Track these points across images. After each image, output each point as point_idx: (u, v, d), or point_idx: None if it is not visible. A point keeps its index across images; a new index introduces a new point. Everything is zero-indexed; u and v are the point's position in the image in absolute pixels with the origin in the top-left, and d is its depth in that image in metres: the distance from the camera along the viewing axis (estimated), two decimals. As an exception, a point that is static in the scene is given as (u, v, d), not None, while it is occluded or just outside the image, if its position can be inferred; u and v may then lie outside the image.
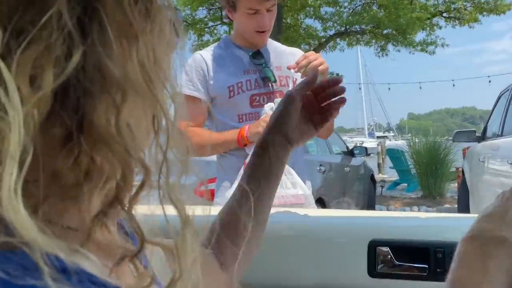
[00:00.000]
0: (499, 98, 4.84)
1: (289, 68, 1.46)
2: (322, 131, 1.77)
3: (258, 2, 1.46)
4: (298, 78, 1.63)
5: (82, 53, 0.26)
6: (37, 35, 0.24)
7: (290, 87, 1.60)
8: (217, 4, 11.09)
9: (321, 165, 4.40)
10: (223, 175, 1.57)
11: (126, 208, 0.30)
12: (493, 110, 5.00)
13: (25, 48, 0.24)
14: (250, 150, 1.44)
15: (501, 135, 4.24)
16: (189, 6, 11.36)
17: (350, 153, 5.92)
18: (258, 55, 1.58)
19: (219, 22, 12.04)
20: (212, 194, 1.80)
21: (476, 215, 0.52)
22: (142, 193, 0.30)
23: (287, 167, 1.42)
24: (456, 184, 7.22)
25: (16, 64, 0.24)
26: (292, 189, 1.41)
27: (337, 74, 13.97)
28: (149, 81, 0.29)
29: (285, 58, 1.63)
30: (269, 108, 1.47)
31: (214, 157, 1.66)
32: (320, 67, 1.42)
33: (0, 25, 0.24)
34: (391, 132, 65.20)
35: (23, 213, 0.23)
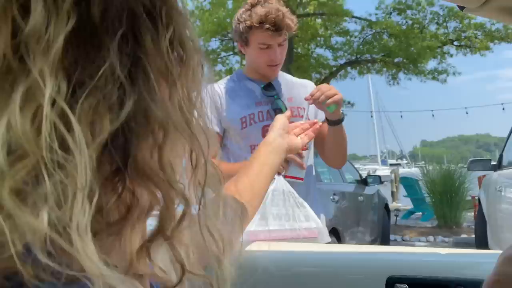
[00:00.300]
0: (514, 126, 4.80)
1: (306, 99, 1.47)
2: (334, 160, 1.75)
3: (270, 37, 1.49)
4: (311, 108, 1.64)
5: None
6: (94, 86, 0.27)
7: (303, 118, 1.61)
8: (229, 35, 11.35)
9: (334, 194, 4.36)
10: None
11: (168, 240, 0.32)
12: (508, 138, 4.94)
13: (85, 98, 0.27)
14: None
15: (518, 163, 4.17)
16: (202, 37, 11.64)
17: (363, 181, 5.86)
18: (269, 87, 1.61)
19: (231, 53, 12.27)
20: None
21: (496, 251, 0.51)
22: (183, 224, 0.32)
23: (300, 200, 1.41)
24: (473, 213, 7.06)
25: (78, 112, 0.26)
26: (305, 222, 1.39)
27: (349, 102, 14.04)
28: (187, 120, 0.33)
29: (296, 89, 1.66)
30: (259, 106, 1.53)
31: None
32: (334, 98, 1.44)
33: (65, 78, 0.27)
34: (404, 159, 64.55)
35: (93, 250, 0.26)
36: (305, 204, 1.43)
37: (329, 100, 1.43)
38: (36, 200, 0.25)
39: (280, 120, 1.00)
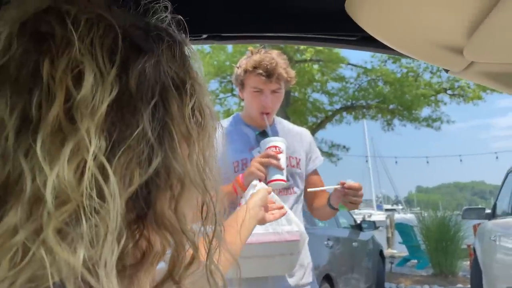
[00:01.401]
0: (507, 175, 4.85)
1: (341, 185, 1.52)
2: (320, 217, 1.80)
3: (263, 82, 1.55)
4: (302, 158, 1.69)
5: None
6: (129, 145, 0.33)
7: (294, 167, 1.65)
8: (228, 77, 11.61)
9: (328, 240, 4.32)
10: None
11: (177, 284, 0.36)
12: (501, 187, 4.98)
13: (121, 155, 0.32)
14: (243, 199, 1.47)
15: (511, 213, 4.18)
16: (202, 79, 11.88)
17: (358, 227, 5.82)
18: (264, 134, 1.64)
19: (229, 94, 12.50)
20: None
21: None
22: (191, 269, 0.37)
23: (282, 204, 1.44)
24: (468, 262, 6.97)
25: (114, 166, 0.32)
26: (287, 226, 1.42)
27: (344, 147, 14.15)
28: (202, 176, 0.38)
29: (291, 137, 1.69)
30: (257, 152, 1.54)
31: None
32: (354, 206, 1.53)
33: (105, 137, 0.32)
34: (400, 205, 64.11)
35: (116, 286, 0.30)
36: (287, 208, 1.44)
37: (349, 205, 1.52)
38: (74, 239, 0.29)
39: (262, 193, 1.14)
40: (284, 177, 1.49)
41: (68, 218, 0.29)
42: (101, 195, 0.30)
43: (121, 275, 0.33)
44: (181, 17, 0.41)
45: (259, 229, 1.37)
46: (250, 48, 1.66)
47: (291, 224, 1.44)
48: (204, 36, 0.75)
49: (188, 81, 0.38)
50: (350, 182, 1.50)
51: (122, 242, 0.31)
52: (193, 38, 0.76)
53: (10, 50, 0.32)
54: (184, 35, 0.42)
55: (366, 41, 0.72)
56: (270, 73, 1.54)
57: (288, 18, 0.73)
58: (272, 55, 1.58)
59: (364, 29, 0.69)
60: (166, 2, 0.41)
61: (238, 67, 1.63)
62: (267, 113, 1.61)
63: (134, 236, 0.34)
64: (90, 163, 0.30)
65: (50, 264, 0.28)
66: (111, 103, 0.32)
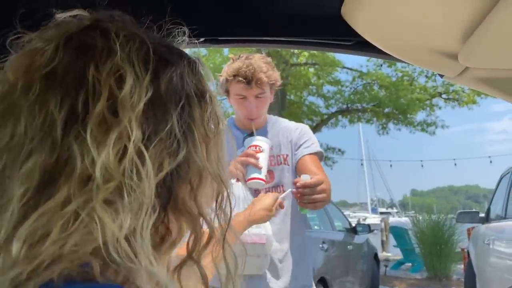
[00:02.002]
0: (500, 179, 4.88)
1: (295, 184, 1.41)
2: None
3: (244, 89, 1.55)
4: (289, 153, 1.67)
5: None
6: (160, 139, 0.39)
7: (281, 164, 1.65)
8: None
9: (323, 243, 4.32)
10: None
11: (197, 262, 0.43)
12: (495, 191, 5.01)
13: (154, 146, 0.39)
14: None
15: (504, 217, 4.21)
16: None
17: (353, 230, 5.83)
18: (251, 136, 1.64)
19: (225, 97, 12.50)
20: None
21: None
22: (208, 248, 0.43)
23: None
24: (462, 266, 7.00)
25: (149, 154, 0.38)
26: (256, 229, 1.42)
27: (339, 150, 14.19)
28: (217, 169, 0.45)
29: (279, 137, 1.67)
30: (241, 151, 1.54)
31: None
32: (312, 205, 1.42)
33: (141, 129, 0.38)
34: (394, 208, 64.33)
35: (150, 250, 0.37)
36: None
37: (309, 205, 1.42)
38: (117, 209, 0.35)
39: (272, 198, 1.30)
40: (262, 176, 1.48)
41: (112, 193, 0.35)
42: (138, 176, 0.36)
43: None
44: (195, 39, 0.51)
45: None
46: (231, 55, 1.65)
47: (260, 227, 1.44)
48: (202, 39, 0.75)
49: (206, 93, 0.46)
50: (305, 179, 1.39)
51: (155, 216, 0.37)
52: (190, 42, 0.76)
53: (56, 59, 0.39)
54: (198, 58, 0.49)
55: (362, 46, 0.73)
56: (249, 79, 1.53)
57: (284, 23, 0.74)
58: (251, 60, 1.56)
59: (360, 34, 0.69)
60: (183, 28, 0.50)
61: (220, 75, 1.63)
62: (253, 118, 1.61)
63: (155, 222, 0.38)
64: (130, 149, 0.37)
65: (95, 229, 0.34)
66: (146, 103, 0.39)
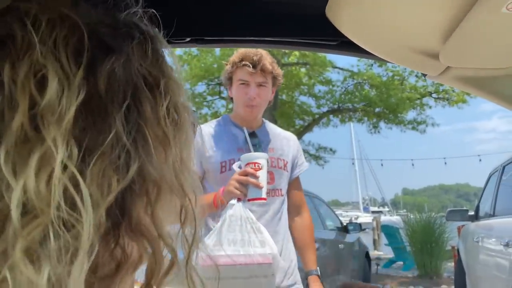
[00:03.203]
0: (489, 178, 4.94)
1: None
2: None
3: (249, 74, 1.60)
4: (289, 161, 1.71)
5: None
6: (103, 152, 0.31)
7: (281, 169, 1.67)
8: (216, 80, 11.60)
9: (315, 242, 4.34)
10: None
11: None
12: (484, 189, 5.07)
13: (95, 162, 0.30)
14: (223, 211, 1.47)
15: (493, 215, 4.26)
16: (189, 81, 11.86)
17: (344, 229, 5.86)
18: (253, 135, 1.66)
19: (217, 97, 12.49)
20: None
21: None
22: (169, 276, 0.35)
23: (258, 225, 1.44)
24: (453, 264, 7.08)
25: (89, 176, 0.30)
26: (260, 248, 1.40)
27: (331, 149, 14.23)
28: (179, 180, 0.36)
29: (279, 141, 1.72)
30: (236, 167, 1.52)
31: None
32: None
33: (76, 145, 0.29)
34: (386, 207, 64.76)
35: None
36: (263, 229, 1.45)
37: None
38: (40, 256, 0.27)
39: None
40: (263, 195, 1.47)
41: (38, 234, 0.27)
42: (73, 208, 0.28)
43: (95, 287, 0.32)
44: (154, 11, 0.39)
45: (228, 250, 1.36)
46: (224, 61, 1.73)
47: (265, 246, 1.42)
48: (188, 39, 0.75)
49: (162, 79, 0.36)
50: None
51: (93, 256, 0.29)
52: (176, 41, 0.76)
53: None
54: (157, 30, 0.39)
55: (346, 46, 0.74)
56: (255, 64, 1.59)
57: (269, 23, 0.74)
58: (258, 49, 1.63)
59: (344, 34, 0.70)
60: None
61: (227, 64, 1.69)
62: (252, 106, 1.63)
63: (109, 245, 0.32)
64: (58, 173, 0.28)
65: (12, 284, 0.26)
66: (79, 108, 0.30)
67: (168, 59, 0.39)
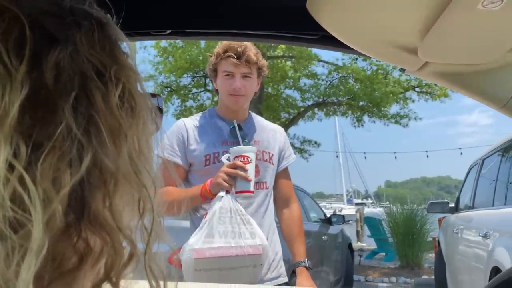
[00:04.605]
0: (469, 171, 5.04)
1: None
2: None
3: (233, 65, 1.60)
4: (275, 154, 1.72)
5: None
6: (53, 146, 0.30)
7: (267, 161, 1.67)
8: (201, 72, 11.52)
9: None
10: None
11: (115, 284, 0.34)
12: (464, 182, 5.18)
13: (45, 157, 0.29)
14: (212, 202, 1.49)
15: (472, 207, 4.36)
16: (174, 73, 11.76)
17: (327, 221, 5.93)
18: (239, 128, 1.66)
19: (202, 89, 12.41)
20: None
21: None
22: (129, 267, 0.35)
23: (247, 217, 1.47)
24: (434, 254, 7.24)
25: (40, 172, 0.29)
26: (250, 240, 1.44)
27: (315, 142, 14.32)
28: (136, 170, 0.35)
29: (266, 133, 1.72)
30: (225, 159, 1.54)
31: (187, 223, 1.68)
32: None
33: (24, 141, 0.29)
34: (369, 199, 65.62)
35: None
36: (252, 221, 1.48)
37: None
38: None
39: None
40: (251, 188, 1.49)
41: None
42: (23, 206, 0.28)
43: (57, 283, 0.31)
44: (161, 31, 0.38)
45: (220, 242, 1.39)
46: (209, 53, 1.76)
47: (255, 237, 1.45)
48: (168, 31, 0.75)
49: (113, 66, 0.35)
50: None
51: (42, 256, 0.28)
52: (157, 33, 0.76)
53: None
54: (109, 16, 0.38)
55: (327, 40, 0.74)
56: (239, 55, 1.58)
57: (251, 16, 0.74)
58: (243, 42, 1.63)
59: (325, 28, 0.70)
60: None
61: (211, 55, 1.68)
62: (237, 95, 1.63)
63: (72, 239, 0.32)
64: (3, 173, 0.27)
65: None
66: (25, 103, 0.29)
67: (125, 46, 0.38)
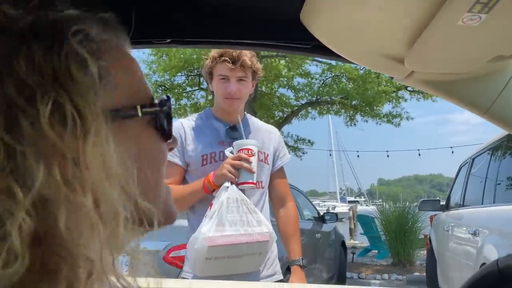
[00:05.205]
0: (459, 169, 5.12)
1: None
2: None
3: (228, 69, 1.63)
4: (270, 154, 1.76)
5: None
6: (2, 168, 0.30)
7: (262, 161, 1.71)
8: (196, 71, 11.52)
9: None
10: None
11: None
12: (455, 180, 5.26)
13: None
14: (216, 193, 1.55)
15: (462, 205, 4.43)
16: (168, 72, 11.75)
17: (321, 219, 5.98)
18: (234, 129, 1.70)
19: (196, 88, 12.42)
20: (182, 260, 1.83)
21: None
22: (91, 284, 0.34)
23: (252, 206, 1.54)
24: (425, 252, 7.33)
25: None
26: (258, 227, 1.51)
27: (309, 141, 14.39)
28: (73, 188, 0.33)
29: (261, 134, 1.76)
30: (229, 152, 1.60)
31: (185, 222, 1.71)
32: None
33: None
34: (363, 197, 65.97)
35: None
36: (257, 210, 1.56)
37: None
38: None
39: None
40: (254, 180, 1.56)
41: None
42: None
43: None
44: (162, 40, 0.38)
45: (230, 230, 1.46)
46: (204, 56, 1.76)
47: (261, 225, 1.52)
48: (168, 40, 0.78)
49: (47, 84, 0.32)
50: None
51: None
52: (158, 42, 0.79)
53: None
54: (86, 29, 0.37)
55: (319, 49, 0.78)
56: (235, 59, 1.61)
57: (246, 26, 0.78)
58: None
59: (318, 38, 0.74)
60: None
61: (207, 58, 1.71)
62: (232, 99, 1.66)
63: (32, 261, 0.31)
64: None
65: None
66: None
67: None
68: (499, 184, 3.44)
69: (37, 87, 0.32)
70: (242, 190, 1.57)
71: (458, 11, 0.56)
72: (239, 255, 1.50)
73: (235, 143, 1.60)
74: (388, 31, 0.68)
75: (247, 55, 1.65)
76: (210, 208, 1.52)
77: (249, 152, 1.57)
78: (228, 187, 1.52)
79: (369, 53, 0.74)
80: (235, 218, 1.48)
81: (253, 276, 1.62)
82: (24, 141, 0.31)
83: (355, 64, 0.81)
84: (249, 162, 1.55)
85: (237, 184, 1.55)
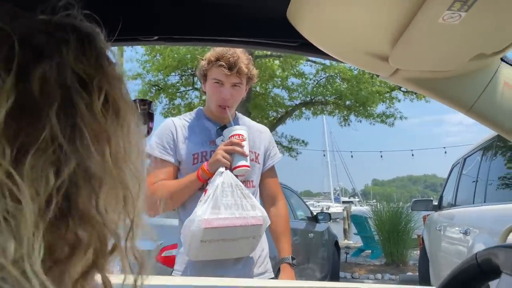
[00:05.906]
0: (452, 169, 5.15)
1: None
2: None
3: (223, 74, 1.62)
4: (261, 153, 1.77)
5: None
6: (37, 149, 0.34)
7: (253, 161, 1.72)
8: (190, 70, 11.50)
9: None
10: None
11: (101, 271, 0.38)
12: (447, 180, 5.29)
13: (30, 159, 0.33)
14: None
15: (454, 205, 4.46)
16: (162, 71, 11.72)
17: (314, 218, 6.00)
18: (224, 128, 1.70)
19: (190, 88, 12.40)
20: (173, 260, 1.83)
21: None
22: (113, 257, 0.39)
23: (246, 191, 1.56)
24: (418, 251, 7.37)
25: (26, 170, 0.33)
26: (252, 211, 1.53)
27: (303, 141, 14.41)
28: (120, 171, 0.39)
29: (252, 133, 1.76)
30: (220, 140, 1.63)
31: (176, 222, 1.72)
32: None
33: (9, 145, 0.33)
34: (357, 197, 66.15)
35: (44, 281, 0.32)
36: (251, 195, 1.57)
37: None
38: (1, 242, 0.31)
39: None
40: (248, 163, 1.59)
41: None
42: (13, 198, 0.32)
43: (52, 270, 0.35)
44: (93, 14, 0.42)
45: (225, 213, 1.48)
46: (200, 57, 1.74)
47: (255, 209, 1.55)
48: (155, 37, 0.79)
49: (97, 76, 0.38)
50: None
51: (41, 242, 0.33)
52: (144, 39, 0.80)
53: None
54: (95, 27, 0.42)
55: (306, 47, 0.79)
56: (231, 66, 1.60)
57: (234, 23, 0.79)
58: (235, 50, 1.64)
59: (304, 36, 0.75)
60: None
61: (203, 59, 1.70)
62: (226, 107, 1.66)
63: (61, 231, 0.35)
64: None
65: None
66: (11, 111, 0.33)
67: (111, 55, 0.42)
68: (489, 184, 3.46)
69: (91, 77, 0.38)
70: (236, 176, 1.58)
71: (438, 9, 0.57)
72: (234, 238, 1.51)
73: (225, 130, 1.62)
74: (372, 29, 0.69)
75: (244, 61, 1.63)
76: (205, 193, 1.53)
77: (240, 137, 1.59)
78: (222, 172, 1.54)
79: (355, 51, 0.75)
80: (230, 202, 1.50)
81: (245, 269, 1.63)
82: (82, 118, 0.36)
83: (343, 63, 0.82)
84: (241, 146, 1.57)
85: (231, 169, 1.56)
